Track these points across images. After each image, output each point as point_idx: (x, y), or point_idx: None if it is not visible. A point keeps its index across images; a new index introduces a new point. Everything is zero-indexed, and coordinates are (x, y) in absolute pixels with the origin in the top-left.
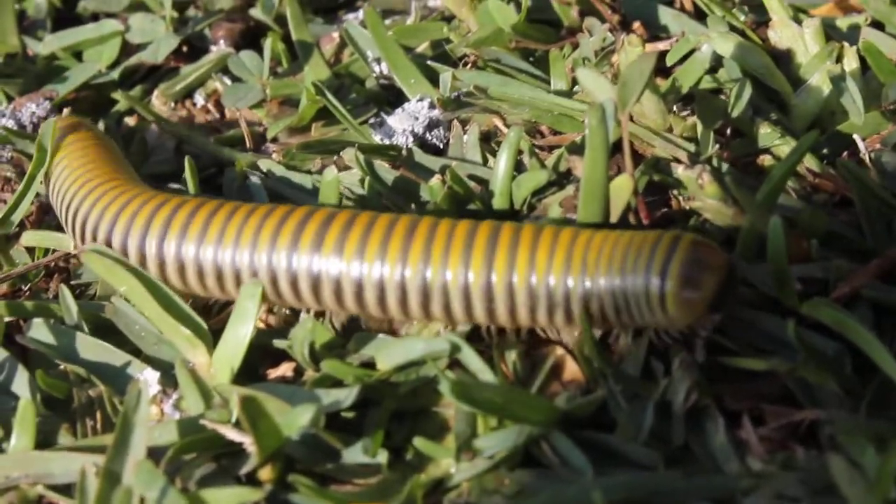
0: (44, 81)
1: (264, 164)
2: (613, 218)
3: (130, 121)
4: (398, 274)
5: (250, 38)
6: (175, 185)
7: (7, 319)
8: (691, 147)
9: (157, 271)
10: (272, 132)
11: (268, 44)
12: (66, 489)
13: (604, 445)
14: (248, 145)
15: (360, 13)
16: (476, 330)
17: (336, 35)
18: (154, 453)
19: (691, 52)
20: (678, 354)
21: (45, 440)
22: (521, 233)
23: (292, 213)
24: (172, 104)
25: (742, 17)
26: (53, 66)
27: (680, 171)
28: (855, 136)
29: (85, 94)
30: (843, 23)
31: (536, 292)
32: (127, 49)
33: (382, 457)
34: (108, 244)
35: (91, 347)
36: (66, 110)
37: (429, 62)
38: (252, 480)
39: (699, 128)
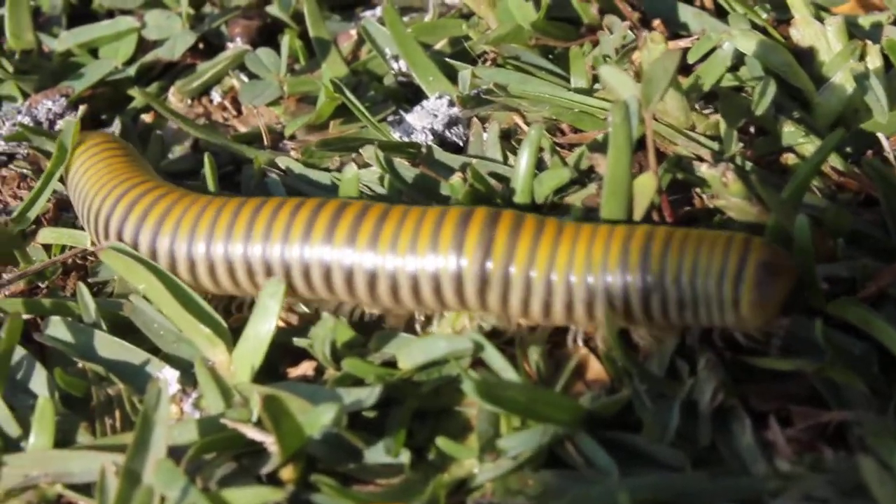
0: (59, 78)
1: (282, 161)
2: (637, 216)
3: (147, 118)
4: (474, 265)
5: (267, 34)
6: (193, 183)
7: (25, 317)
8: (714, 145)
9: (187, 271)
10: (290, 130)
11: (285, 41)
12: (85, 488)
13: (629, 446)
14: (265, 142)
15: (378, 10)
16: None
17: (353, 32)
18: (174, 452)
19: (713, 49)
20: (704, 354)
21: (63, 439)
22: (581, 229)
23: (326, 206)
24: (189, 101)
25: (764, 15)
26: (69, 62)
27: (704, 169)
28: (879, 135)
29: (101, 90)
30: (865, 21)
31: (594, 289)
32: (143, 46)
33: (405, 456)
34: (135, 244)
35: (109, 345)
36: (82, 107)
37: (447, 59)
38: (273, 480)
39: (722, 126)
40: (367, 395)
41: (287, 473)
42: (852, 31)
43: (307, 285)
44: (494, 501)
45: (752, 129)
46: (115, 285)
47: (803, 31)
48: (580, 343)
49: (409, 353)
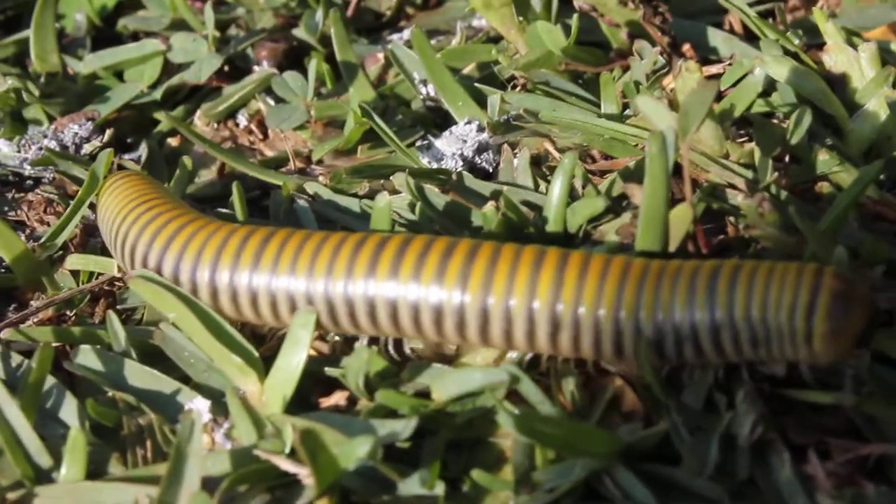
0: (85, 101)
1: (311, 187)
2: (672, 247)
3: (173, 142)
4: (520, 303)
5: (293, 57)
6: (222, 210)
7: (54, 345)
8: (748, 173)
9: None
10: (318, 154)
11: (313, 65)
12: None
13: (667, 479)
14: (292, 167)
15: (405, 33)
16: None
17: (380, 55)
18: (207, 484)
19: (744, 75)
20: (742, 387)
21: (95, 470)
22: (647, 267)
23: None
24: (215, 125)
25: (796, 41)
26: (94, 85)
27: (740, 199)
28: None
29: (126, 113)
30: None
31: (663, 327)
32: (168, 68)
33: (440, 489)
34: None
35: (140, 375)
36: (108, 131)
37: (476, 84)
38: None
39: (757, 154)
40: (403, 428)
41: None
42: (885, 57)
43: (336, 321)
44: None
45: (786, 158)
46: (144, 312)
47: (836, 57)
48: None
49: (444, 385)
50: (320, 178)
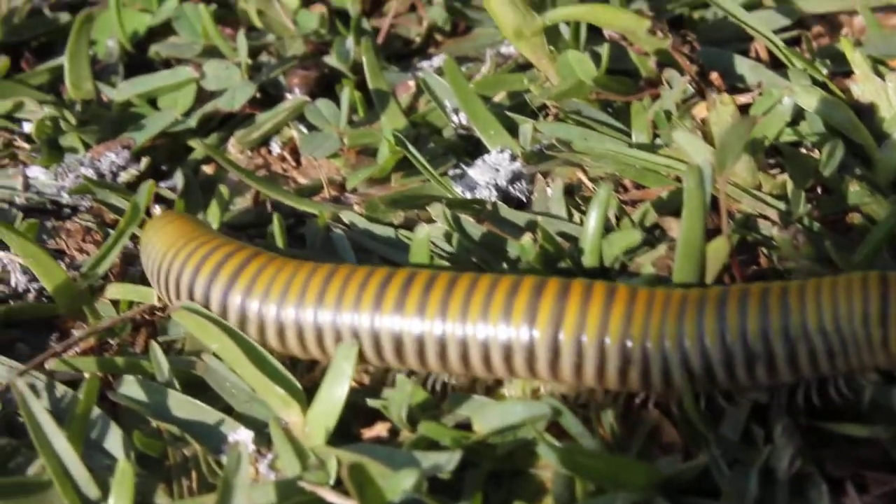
0: (119, 128)
1: (346, 215)
2: (709, 279)
3: (208, 169)
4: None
5: (324, 84)
6: (260, 240)
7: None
8: (780, 205)
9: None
10: (352, 183)
11: (345, 93)
12: None
13: None
14: (326, 195)
15: (434, 60)
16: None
17: (411, 83)
18: None
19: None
20: (780, 420)
21: (142, 501)
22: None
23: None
24: (249, 152)
25: (824, 71)
26: (129, 112)
27: (774, 231)
28: None
29: (161, 141)
30: None
31: (732, 350)
32: (200, 95)
33: None
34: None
35: (183, 405)
36: (144, 160)
37: (507, 112)
38: None
39: (790, 186)
40: (447, 460)
41: None
42: None
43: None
44: None
45: (817, 189)
46: (186, 343)
47: (864, 86)
48: (652, 406)
49: (485, 417)
50: (355, 207)
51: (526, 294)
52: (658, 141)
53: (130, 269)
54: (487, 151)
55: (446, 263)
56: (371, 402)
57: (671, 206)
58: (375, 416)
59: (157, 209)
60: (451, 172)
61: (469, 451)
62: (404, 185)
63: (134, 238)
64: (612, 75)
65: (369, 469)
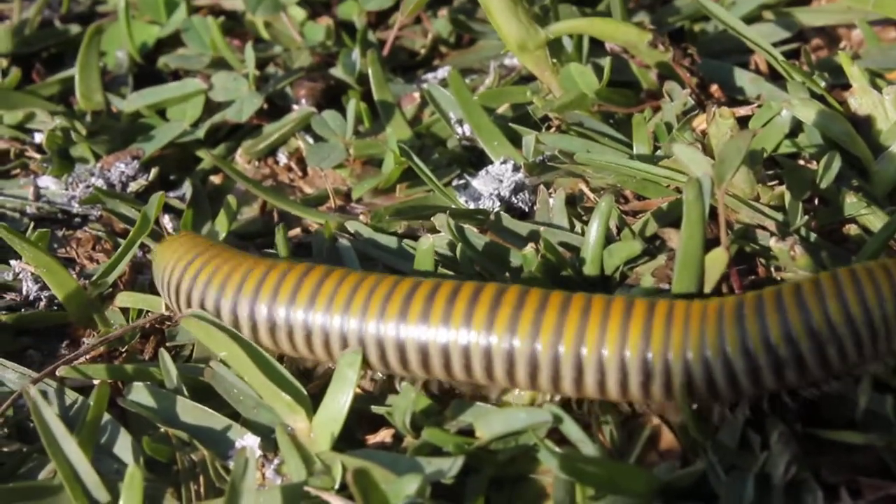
0: (129, 139)
1: (352, 225)
2: (708, 289)
3: (216, 179)
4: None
5: (330, 96)
6: (268, 250)
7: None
8: (778, 216)
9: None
10: (357, 193)
11: (351, 105)
12: None
13: None
14: (332, 205)
15: (439, 72)
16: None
17: (416, 95)
18: None
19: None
20: (776, 427)
21: None
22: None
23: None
24: (256, 162)
25: (822, 84)
26: (138, 123)
27: (772, 242)
28: None
29: (169, 151)
30: None
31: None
32: (209, 106)
33: None
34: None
35: (191, 411)
36: (153, 170)
37: (511, 124)
38: None
39: (787, 198)
40: (449, 466)
41: None
42: None
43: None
44: None
45: (814, 200)
46: (194, 350)
47: (861, 99)
48: (653, 414)
49: (488, 423)
50: (361, 217)
51: (578, 311)
52: (659, 152)
53: (140, 278)
54: (491, 162)
55: (450, 272)
56: (375, 409)
57: (671, 217)
58: (380, 422)
59: (165, 218)
60: (454, 183)
61: (471, 457)
62: (409, 196)
63: (143, 247)
64: (614, 87)
65: (373, 474)
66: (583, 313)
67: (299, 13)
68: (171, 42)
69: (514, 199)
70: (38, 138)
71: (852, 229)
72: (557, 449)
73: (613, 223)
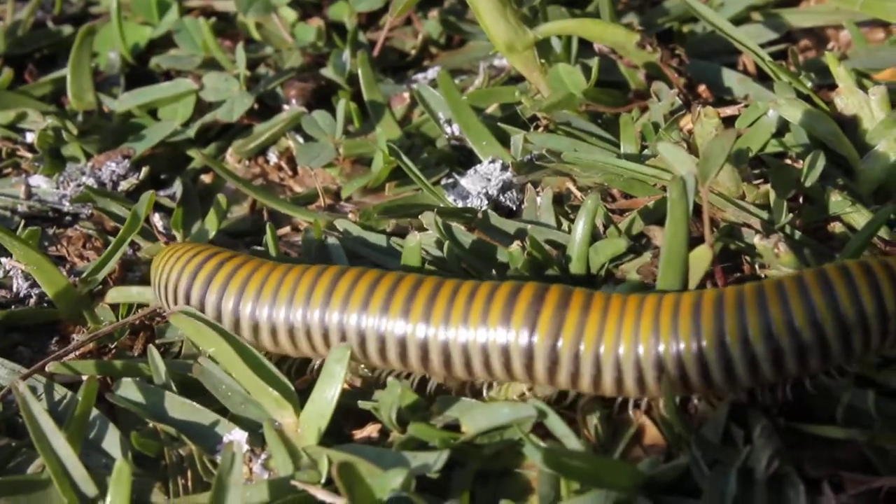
0: (120, 138)
1: (340, 223)
2: (691, 286)
3: (206, 178)
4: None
5: (320, 96)
6: (257, 247)
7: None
8: (763, 214)
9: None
10: (346, 192)
11: (341, 105)
12: None
13: None
14: (322, 204)
15: (429, 73)
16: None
17: (406, 95)
18: None
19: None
20: (759, 422)
21: (138, 499)
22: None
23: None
24: (246, 161)
25: (808, 84)
26: (129, 123)
27: (756, 240)
28: None
29: (160, 150)
30: None
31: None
32: (200, 106)
33: None
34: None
35: (179, 407)
36: (144, 169)
37: (499, 124)
38: None
39: (772, 196)
40: (434, 460)
41: None
42: (894, 99)
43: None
44: None
45: (799, 199)
46: (183, 346)
47: (847, 99)
48: (638, 409)
49: (473, 418)
50: (350, 216)
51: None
52: (646, 152)
53: (129, 275)
54: (479, 161)
55: (437, 270)
56: (362, 404)
57: (657, 215)
58: (366, 417)
59: (155, 217)
60: (443, 182)
61: (457, 452)
62: (398, 194)
63: (133, 245)
64: (602, 88)
65: (359, 468)
66: (583, 310)
67: (290, 14)
68: (163, 43)
69: (501, 197)
70: (30, 138)
71: (837, 227)
72: (542, 443)
73: (600, 221)
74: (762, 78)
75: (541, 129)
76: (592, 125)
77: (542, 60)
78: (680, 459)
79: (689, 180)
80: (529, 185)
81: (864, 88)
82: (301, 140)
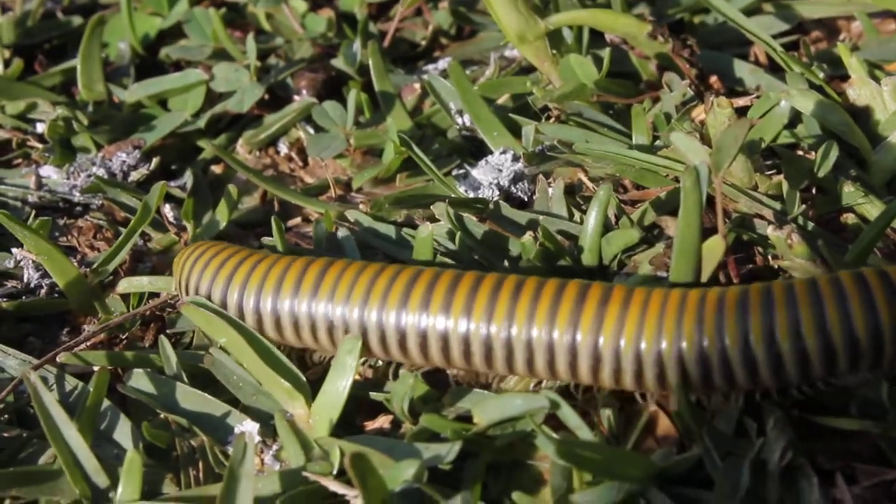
0: (130, 128)
1: (352, 214)
2: (705, 277)
3: (217, 169)
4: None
5: (331, 87)
6: (267, 239)
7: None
8: (776, 205)
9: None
10: (357, 183)
11: (352, 95)
12: None
13: (700, 502)
14: (332, 195)
15: (440, 63)
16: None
17: (417, 86)
18: None
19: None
20: (772, 413)
21: (150, 490)
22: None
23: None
24: (257, 152)
25: (821, 74)
26: (139, 113)
27: (770, 231)
28: None
29: (171, 141)
30: None
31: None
32: (210, 97)
33: None
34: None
35: (191, 397)
36: (154, 160)
37: (510, 114)
38: None
39: (785, 187)
40: (447, 451)
41: None
42: None
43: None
44: None
45: (812, 189)
46: (195, 337)
47: (859, 90)
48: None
49: (485, 410)
50: (361, 206)
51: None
52: (658, 142)
53: (140, 266)
54: (491, 152)
55: (449, 261)
56: (374, 395)
57: (670, 206)
58: (378, 408)
59: (166, 207)
60: (454, 173)
61: (469, 443)
62: (409, 185)
63: (144, 236)
64: (614, 78)
65: (371, 459)
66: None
67: (301, 5)
68: (173, 33)
69: (513, 188)
70: (40, 128)
71: (850, 218)
72: (554, 435)
73: (612, 212)
74: (774, 69)
75: (552, 119)
76: (604, 116)
77: (554, 51)
78: (693, 451)
79: (702, 171)
80: (541, 175)
81: (876, 79)
82: (312, 131)
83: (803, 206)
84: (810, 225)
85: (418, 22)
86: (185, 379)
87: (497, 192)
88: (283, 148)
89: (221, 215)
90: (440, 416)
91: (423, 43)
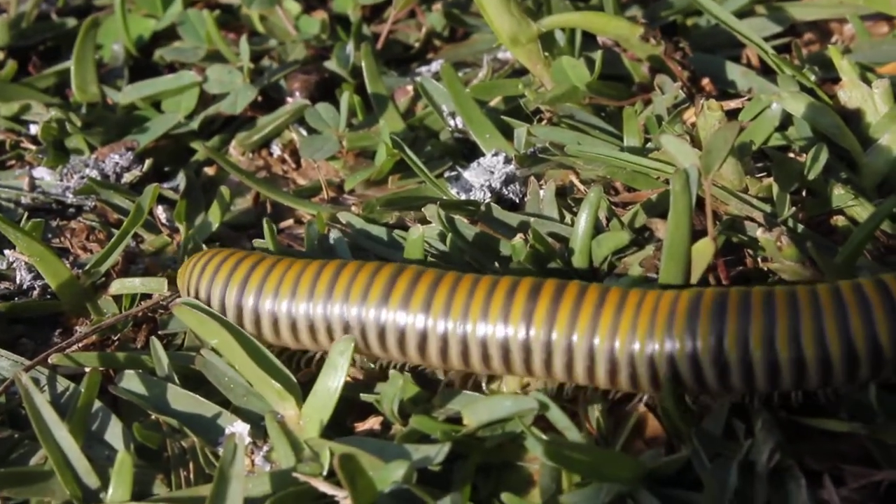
0: (123, 130)
1: (344, 216)
2: (694, 279)
3: (210, 170)
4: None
5: (324, 89)
6: (259, 240)
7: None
8: (766, 207)
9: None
10: (350, 185)
11: (345, 97)
12: None
13: None
14: (325, 196)
15: (433, 65)
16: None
17: (410, 88)
18: None
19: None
20: (761, 415)
21: (140, 491)
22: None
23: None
24: (250, 154)
25: (812, 77)
26: (133, 115)
27: (759, 233)
28: None
29: (164, 143)
30: None
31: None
32: (203, 99)
33: None
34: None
35: (182, 399)
36: (148, 161)
37: (503, 117)
38: None
39: (775, 189)
40: (436, 453)
41: None
42: None
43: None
44: None
45: (802, 192)
46: (186, 338)
47: (851, 93)
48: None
49: (475, 411)
50: (353, 208)
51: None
52: (649, 145)
53: (132, 267)
54: (482, 154)
55: (439, 263)
56: (364, 397)
57: (660, 209)
58: (368, 410)
59: (159, 209)
60: (446, 174)
61: (458, 444)
62: (401, 187)
63: (137, 238)
64: (606, 81)
65: (361, 460)
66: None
67: (294, 7)
68: (167, 35)
69: (504, 190)
70: (34, 130)
71: (840, 221)
72: (544, 436)
73: (603, 214)
74: (766, 71)
75: (544, 122)
76: (596, 118)
77: (546, 53)
78: (681, 452)
79: (692, 173)
80: (532, 177)
81: (867, 82)
82: (304, 133)
83: (793, 208)
84: (800, 227)
85: (412, 24)
86: (177, 380)
87: (489, 194)
88: (276, 150)
89: (214, 217)
90: (430, 418)
91: (416, 45)
